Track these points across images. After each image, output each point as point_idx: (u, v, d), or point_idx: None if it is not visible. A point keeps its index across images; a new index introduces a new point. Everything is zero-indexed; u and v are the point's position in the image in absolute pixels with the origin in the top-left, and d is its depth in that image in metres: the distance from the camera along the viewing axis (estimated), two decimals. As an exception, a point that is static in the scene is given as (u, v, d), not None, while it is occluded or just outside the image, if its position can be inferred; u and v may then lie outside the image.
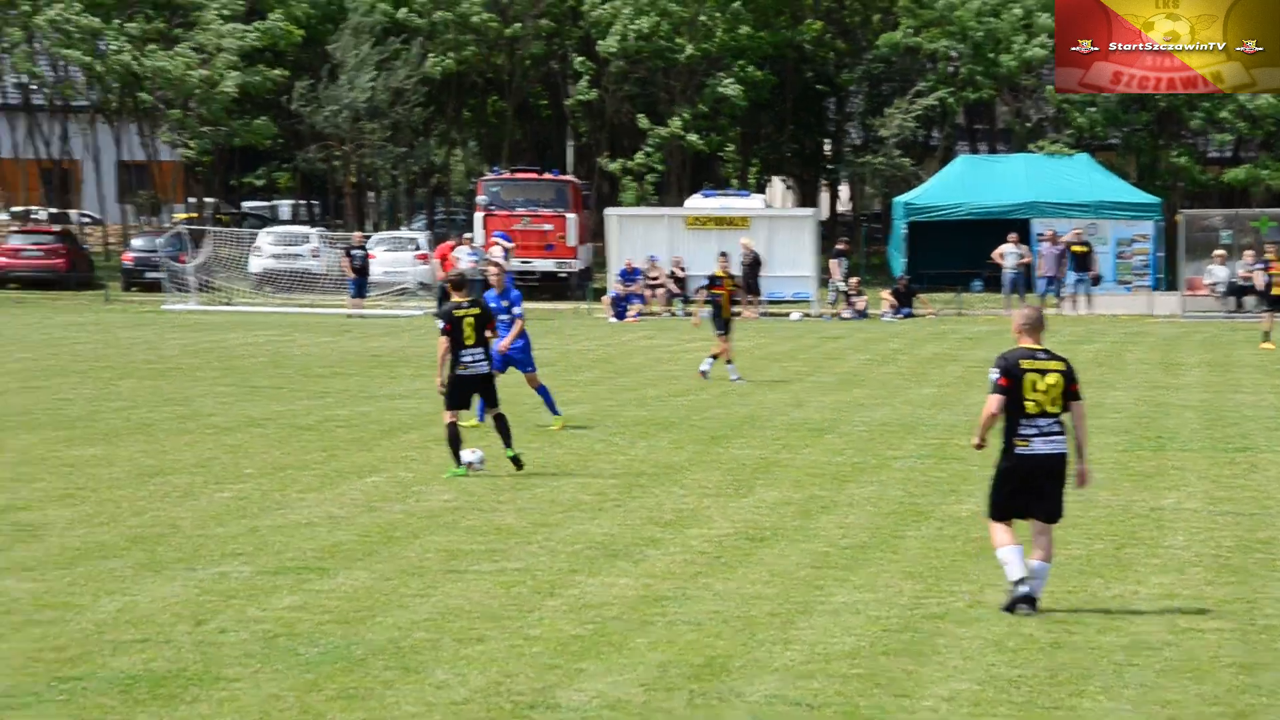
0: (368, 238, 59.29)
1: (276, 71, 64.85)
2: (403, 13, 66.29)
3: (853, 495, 18.81)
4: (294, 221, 74.13)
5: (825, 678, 11.35)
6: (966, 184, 58.60)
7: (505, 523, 16.99)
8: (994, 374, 13.27)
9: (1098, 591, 14.01)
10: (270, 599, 13.49)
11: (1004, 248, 52.44)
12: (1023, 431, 13.15)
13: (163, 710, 10.53)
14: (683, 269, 53.50)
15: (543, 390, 24.35)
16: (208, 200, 73.25)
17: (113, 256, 66.66)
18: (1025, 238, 53.81)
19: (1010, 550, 13.20)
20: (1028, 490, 13.25)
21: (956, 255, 56.12)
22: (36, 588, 13.82)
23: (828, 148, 76.25)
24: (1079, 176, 58.51)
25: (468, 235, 54.80)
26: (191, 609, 13.10)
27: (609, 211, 57.34)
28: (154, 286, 57.34)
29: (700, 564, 15.01)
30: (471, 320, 19.95)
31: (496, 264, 25.40)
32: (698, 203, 57.88)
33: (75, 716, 10.39)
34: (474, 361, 19.97)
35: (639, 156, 67.14)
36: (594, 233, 63.16)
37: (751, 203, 58.56)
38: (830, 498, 18.65)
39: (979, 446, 13.59)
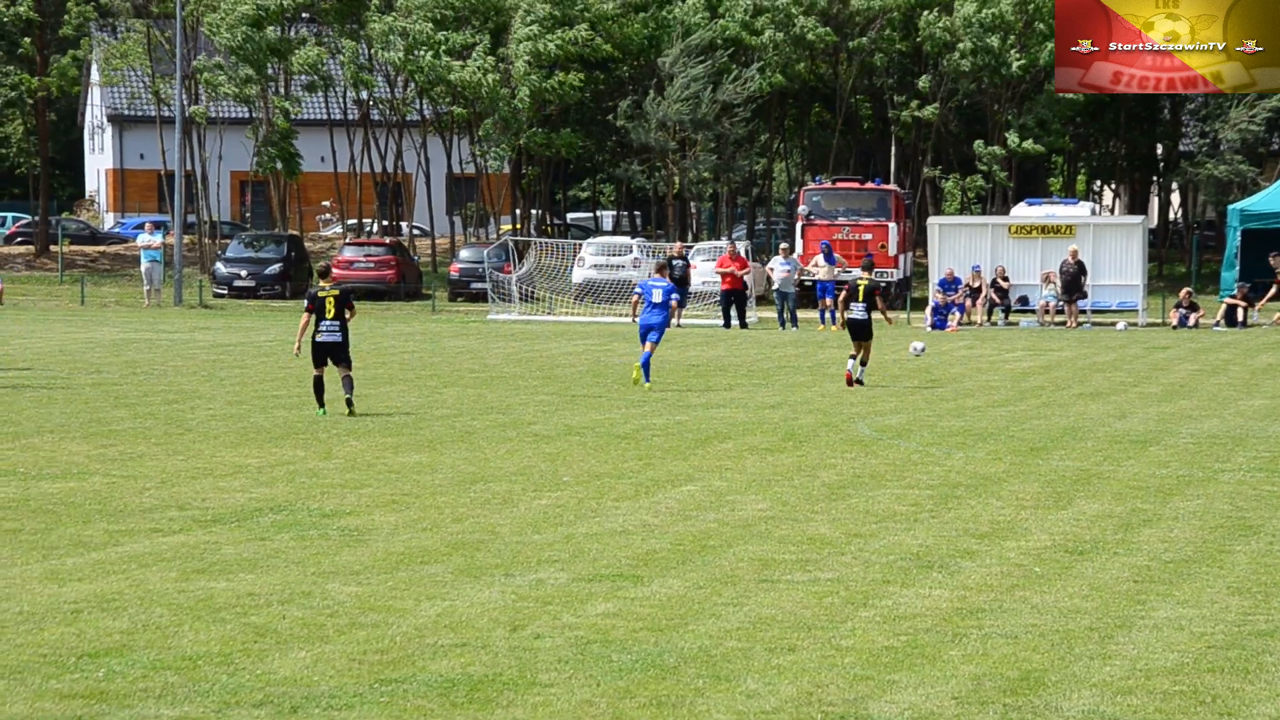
0: (689, 248, 59.70)
1: (573, 75, 64.95)
2: (734, 29, 66.37)
3: (1177, 509, 18.34)
4: (616, 232, 74.97)
5: (1145, 694, 11.08)
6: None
7: (819, 533, 16.92)
8: None
9: None
10: (585, 606, 13.62)
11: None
12: None
13: (479, 713, 10.69)
14: (1006, 279, 52.83)
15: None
16: (533, 212, 74.48)
17: (440, 268, 68.15)
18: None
19: None
20: None
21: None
22: (361, 591, 14.15)
23: (1160, 152, 74.52)
24: None
25: (785, 245, 55.09)
26: (508, 615, 13.29)
27: (931, 220, 56.98)
28: (479, 297, 58.50)
29: (1016, 576, 14.77)
30: (331, 300, 25.79)
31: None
32: (1022, 211, 57.21)
33: (395, 718, 10.61)
34: (329, 330, 25.90)
35: (978, 180, 66.67)
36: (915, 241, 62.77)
37: (1078, 210, 57.61)
38: (1153, 511, 18.21)
39: None
